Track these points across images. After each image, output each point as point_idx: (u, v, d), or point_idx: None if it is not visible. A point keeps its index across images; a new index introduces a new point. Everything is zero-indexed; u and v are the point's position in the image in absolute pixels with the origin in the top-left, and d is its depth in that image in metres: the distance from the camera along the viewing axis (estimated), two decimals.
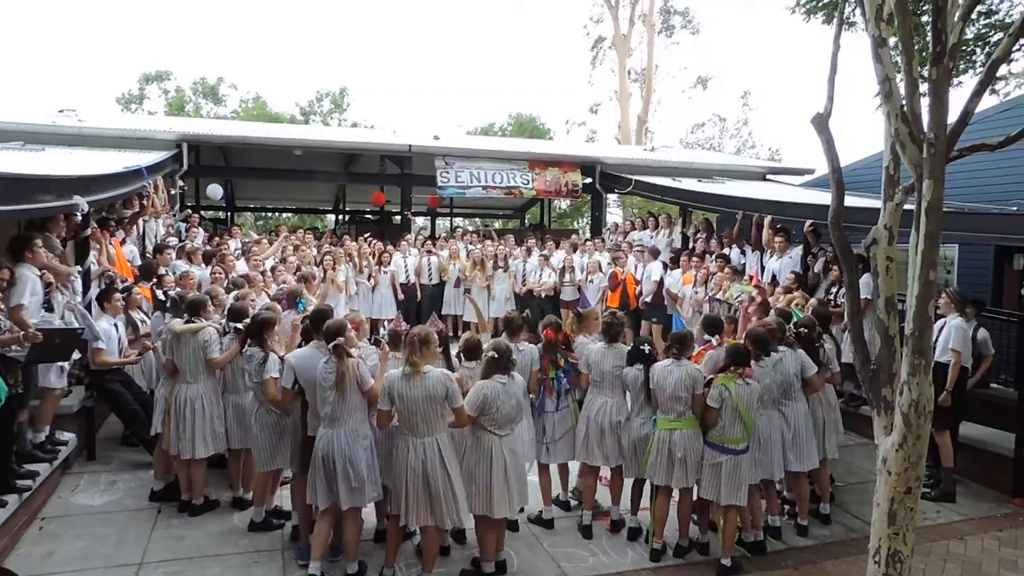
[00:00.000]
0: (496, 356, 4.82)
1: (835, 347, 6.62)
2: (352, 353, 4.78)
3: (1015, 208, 9.01)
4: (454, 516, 4.72)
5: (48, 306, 6.16)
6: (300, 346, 5.44)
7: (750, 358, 5.33)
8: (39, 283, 6.04)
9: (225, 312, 6.32)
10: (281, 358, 5.34)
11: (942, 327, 6.80)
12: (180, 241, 10.43)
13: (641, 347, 5.71)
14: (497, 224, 22.61)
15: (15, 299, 5.72)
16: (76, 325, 6.32)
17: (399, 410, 4.64)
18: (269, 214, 27.99)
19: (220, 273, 8.14)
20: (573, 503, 6.27)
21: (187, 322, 5.97)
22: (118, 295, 6.98)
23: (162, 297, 7.56)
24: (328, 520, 4.94)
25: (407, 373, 4.59)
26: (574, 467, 6.25)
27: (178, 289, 7.43)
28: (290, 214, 27.50)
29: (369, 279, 11.59)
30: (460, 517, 4.76)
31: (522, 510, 5.68)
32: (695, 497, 5.53)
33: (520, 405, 4.97)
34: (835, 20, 4.94)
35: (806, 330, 6.03)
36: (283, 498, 5.98)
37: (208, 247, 10.35)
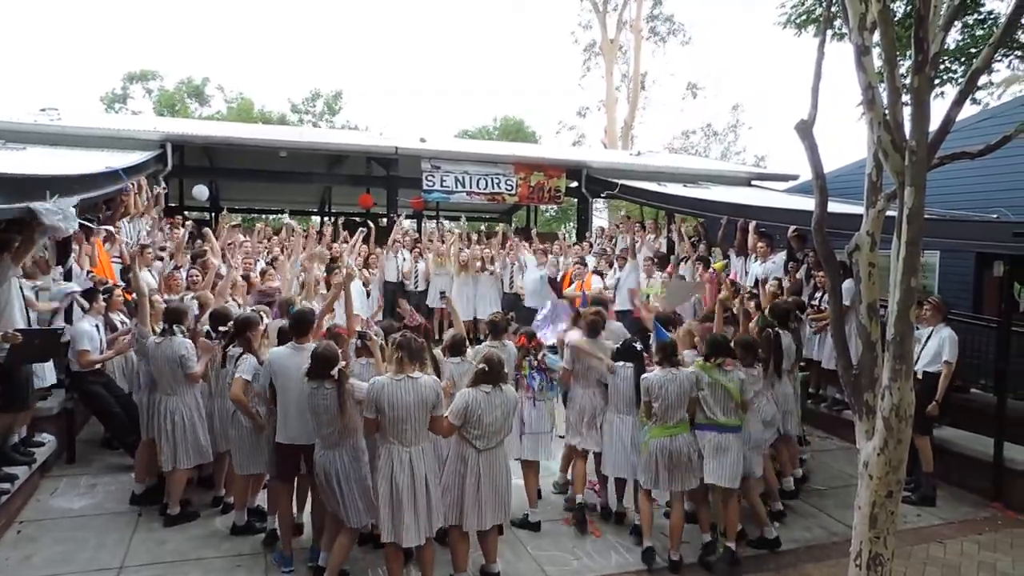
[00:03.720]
0: (486, 369, 4.75)
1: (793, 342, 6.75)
2: (348, 375, 4.72)
3: (995, 216, 9.11)
4: (432, 526, 4.66)
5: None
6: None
7: (729, 349, 5.51)
8: (15, 287, 5.92)
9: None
10: (260, 362, 5.33)
11: (928, 336, 6.88)
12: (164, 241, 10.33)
13: (632, 344, 5.88)
14: (483, 227, 22.59)
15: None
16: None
17: (389, 417, 4.48)
18: (255, 215, 27.73)
19: (198, 276, 8.02)
20: (554, 493, 6.51)
21: (163, 331, 5.76)
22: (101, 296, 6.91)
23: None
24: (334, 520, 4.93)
25: (399, 379, 4.50)
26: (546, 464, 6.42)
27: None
28: (281, 215, 27.29)
29: (365, 285, 11.47)
30: (433, 527, 4.69)
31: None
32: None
33: (507, 417, 4.85)
34: (821, 29, 4.99)
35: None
36: (263, 499, 5.93)
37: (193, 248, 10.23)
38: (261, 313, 6.12)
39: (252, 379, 5.26)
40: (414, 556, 4.97)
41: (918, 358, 6.86)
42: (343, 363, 4.74)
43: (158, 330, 5.84)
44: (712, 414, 5.40)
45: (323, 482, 4.76)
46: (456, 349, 5.54)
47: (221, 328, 5.88)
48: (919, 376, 6.72)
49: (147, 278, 7.71)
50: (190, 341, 5.82)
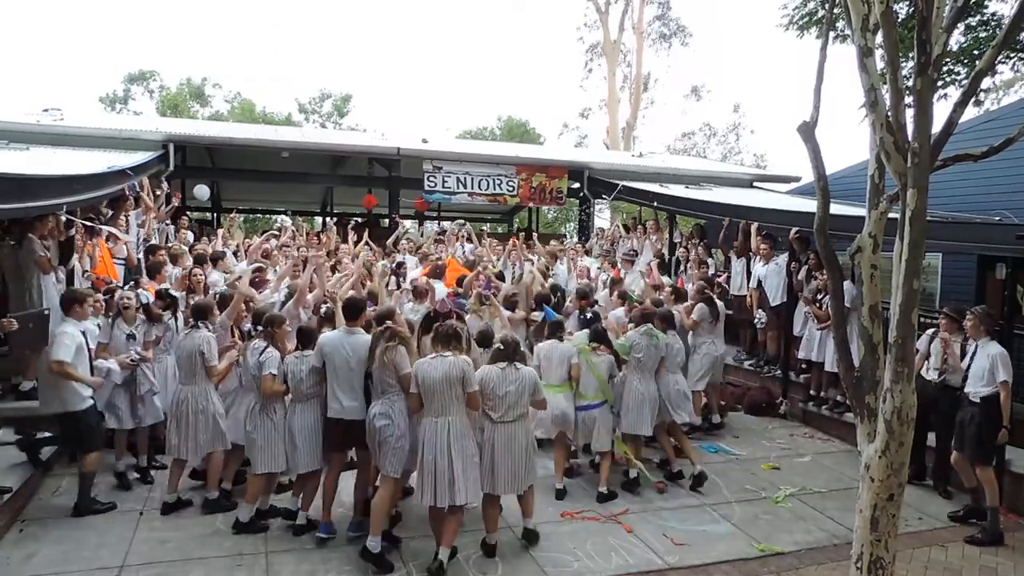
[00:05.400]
0: (501, 348, 5.45)
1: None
2: (405, 336, 5.33)
3: (998, 218, 9.10)
4: (451, 497, 4.99)
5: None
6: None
7: (605, 340, 6.80)
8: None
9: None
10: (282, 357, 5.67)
11: (974, 352, 6.37)
12: (167, 243, 10.35)
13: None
14: (486, 228, 22.60)
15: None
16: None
17: (423, 391, 5.04)
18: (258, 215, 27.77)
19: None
20: None
21: (192, 327, 6.00)
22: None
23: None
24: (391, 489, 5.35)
25: (432, 358, 5.09)
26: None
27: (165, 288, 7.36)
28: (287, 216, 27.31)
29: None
30: (456, 498, 5.01)
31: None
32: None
33: (522, 394, 5.34)
34: (823, 31, 4.99)
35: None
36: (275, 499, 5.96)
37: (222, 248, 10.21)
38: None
39: (277, 372, 5.58)
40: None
41: (966, 378, 6.40)
42: (390, 322, 5.30)
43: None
44: (584, 391, 6.62)
45: (369, 431, 5.32)
46: (483, 341, 6.02)
47: (260, 327, 6.00)
48: (975, 401, 6.25)
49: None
50: (213, 336, 6.00)
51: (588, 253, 12.90)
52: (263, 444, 5.60)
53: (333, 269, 9.01)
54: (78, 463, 6.02)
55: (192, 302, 6.33)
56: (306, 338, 5.71)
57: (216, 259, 8.83)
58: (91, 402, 5.93)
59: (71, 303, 5.97)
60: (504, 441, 5.32)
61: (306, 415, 5.61)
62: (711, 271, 10.75)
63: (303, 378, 5.54)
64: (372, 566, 5.10)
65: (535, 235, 14.46)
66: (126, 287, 7.38)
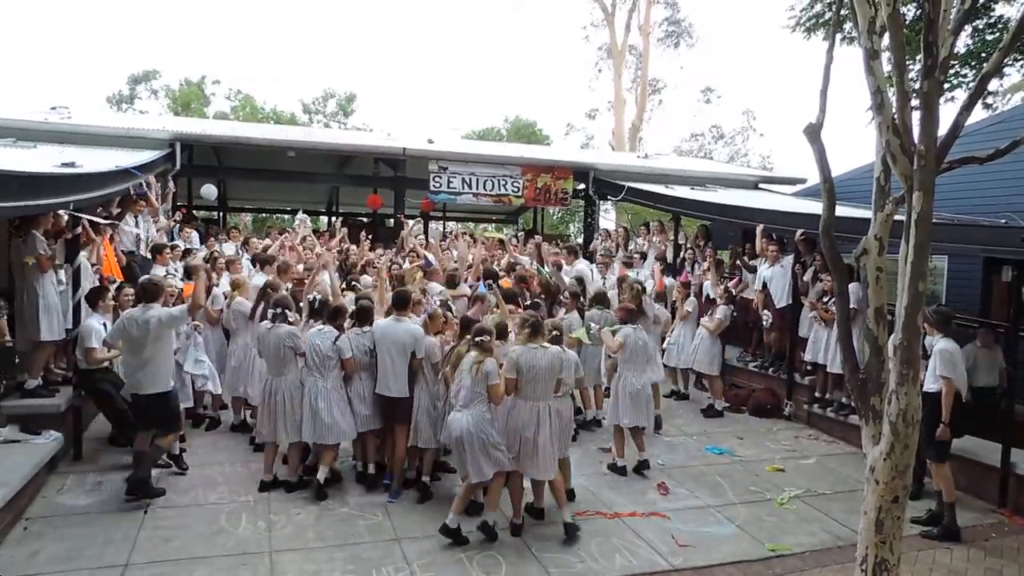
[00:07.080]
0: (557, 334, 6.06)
1: None
2: (491, 349, 5.70)
3: (1004, 220, 9.07)
4: (537, 471, 5.68)
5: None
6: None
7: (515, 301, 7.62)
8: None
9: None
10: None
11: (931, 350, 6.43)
12: (171, 242, 10.38)
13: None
14: (491, 228, 22.57)
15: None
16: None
17: (525, 378, 5.60)
18: (264, 215, 27.78)
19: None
20: None
21: (274, 317, 6.40)
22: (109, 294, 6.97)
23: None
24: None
25: (534, 348, 5.65)
26: None
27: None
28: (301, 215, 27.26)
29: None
30: (540, 473, 5.70)
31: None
32: None
33: (570, 371, 5.95)
34: (830, 33, 4.98)
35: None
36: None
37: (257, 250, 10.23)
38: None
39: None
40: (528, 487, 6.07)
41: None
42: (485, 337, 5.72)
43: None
44: None
45: (460, 443, 5.61)
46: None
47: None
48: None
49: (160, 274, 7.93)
50: (296, 328, 6.45)
51: (592, 257, 12.87)
52: (339, 412, 6.27)
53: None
54: (158, 440, 6.33)
55: (274, 297, 6.74)
56: (364, 316, 6.56)
57: (264, 261, 8.82)
58: (172, 385, 6.36)
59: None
60: (557, 414, 5.86)
61: (370, 382, 6.48)
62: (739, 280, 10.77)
63: (368, 351, 6.44)
64: (450, 539, 5.53)
65: (538, 236, 14.48)
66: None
